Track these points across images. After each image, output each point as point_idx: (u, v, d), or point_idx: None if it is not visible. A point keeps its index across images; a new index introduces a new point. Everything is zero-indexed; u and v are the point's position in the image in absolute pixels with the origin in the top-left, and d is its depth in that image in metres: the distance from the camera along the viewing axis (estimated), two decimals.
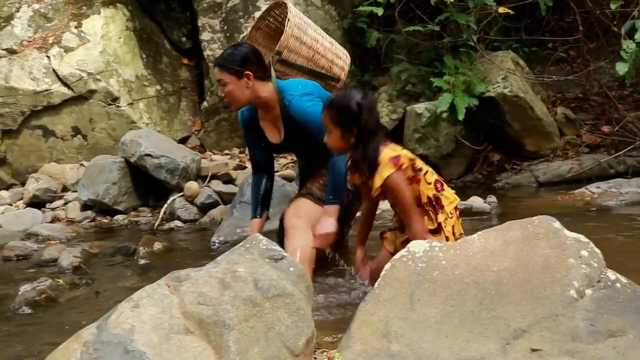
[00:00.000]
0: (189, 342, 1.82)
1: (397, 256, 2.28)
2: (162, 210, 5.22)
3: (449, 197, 2.90)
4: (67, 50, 6.50)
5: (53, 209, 5.64)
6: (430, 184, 2.84)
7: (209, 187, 5.44)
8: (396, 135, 6.44)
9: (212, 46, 6.79)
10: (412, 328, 2.03)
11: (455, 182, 6.25)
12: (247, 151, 6.68)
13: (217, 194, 5.36)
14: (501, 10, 5.91)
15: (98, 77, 6.39)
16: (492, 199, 4.98)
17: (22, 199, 5.90)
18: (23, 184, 6.20)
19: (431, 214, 2.85)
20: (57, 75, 6.36)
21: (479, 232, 2.25)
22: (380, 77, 7.18)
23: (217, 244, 4.28)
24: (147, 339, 1.78)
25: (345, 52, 3.89)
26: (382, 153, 2.74)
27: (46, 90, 6.29)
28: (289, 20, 3.47)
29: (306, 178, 3.56)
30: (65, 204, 5.69)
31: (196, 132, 7.03)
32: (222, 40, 6.77)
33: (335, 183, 3.14)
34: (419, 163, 2.84)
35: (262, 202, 3.60)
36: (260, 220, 3.56)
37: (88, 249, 4.26)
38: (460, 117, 5.79)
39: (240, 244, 2.24)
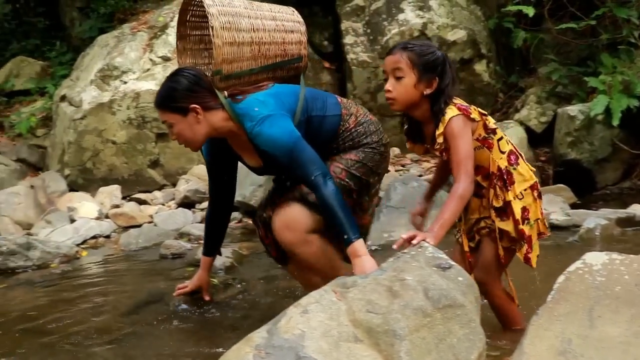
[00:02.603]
0: (358, 350, 1.78)
1: (571, 268, 2.13)
2: None
3: (524, 174, 2.52)
4: None
5: (202, 210, 5.85)
6: (503, 153, 2.50)
7: None
8: (545, 139, 6.16)
9: (356, 49, 6.80)
10: (594, 347, 1.88)
11: (611, 188, 5.86)
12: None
13: None
14: None
15: None
16: None
17: (173, 199, 6.17)
18: (174, 184, 6.48)
19: (498, 189, 2.48)
20: None
21: None
22: (527, 79, 6.91)
23: None
24: (318, 345, 1.76)
25: (295, 16, 3.03)
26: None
27: None
28: (212, 27, 2.67)
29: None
30: None
31: None
32: (365, 44, 6.76)
33: (346, 217, 2.52)
34: (492, 122, 2.52)
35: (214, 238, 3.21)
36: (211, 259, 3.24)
37: (238, 249, 4.37)
38: (615, 122, 5.41)
39: (405, 250, 2.18)
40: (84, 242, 5.24)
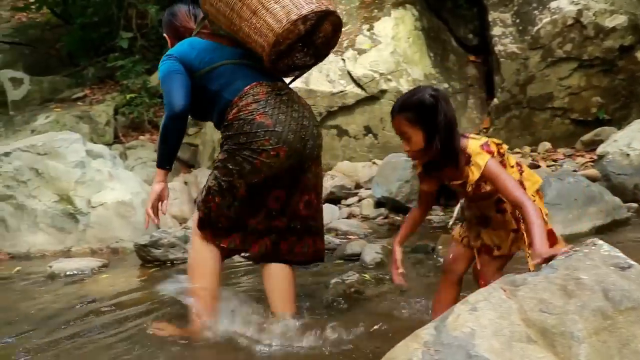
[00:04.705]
0: (532, 351, 1.69)
1: None
2: (456, 209, 5.15)
3: (530, 178, 2.64)
4: (360, 52, 6.75)
5: (348, 206, 5.88)
6: (513, 167, 2.59)
7: None
8: None
9: (504, 41, 6.55)
10: None
11: None
12: (539, 148, 6.41)
13: None
14: None
15: (389, 77, 6.55)
16: None
17: None
18: None
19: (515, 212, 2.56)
20: (352, 77, 6.63)
21: None
22: None
23: None
24: (489, 344, 1.68)
25: (281, 24, 2.75)
26: (469, 143, 2.49)
27: (341, 91, 6.59)
28: None
29: None
30: (359, 200, 5.90)
31: (484, 130, 6.85)
32: (514, 35, 6.51)
33: (163, 149, 3.18)
34: (504, 147, 2.57)
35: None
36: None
37: (387, 245, 4.34)
38: None
39: (577, 247, 2.05)
40: None
